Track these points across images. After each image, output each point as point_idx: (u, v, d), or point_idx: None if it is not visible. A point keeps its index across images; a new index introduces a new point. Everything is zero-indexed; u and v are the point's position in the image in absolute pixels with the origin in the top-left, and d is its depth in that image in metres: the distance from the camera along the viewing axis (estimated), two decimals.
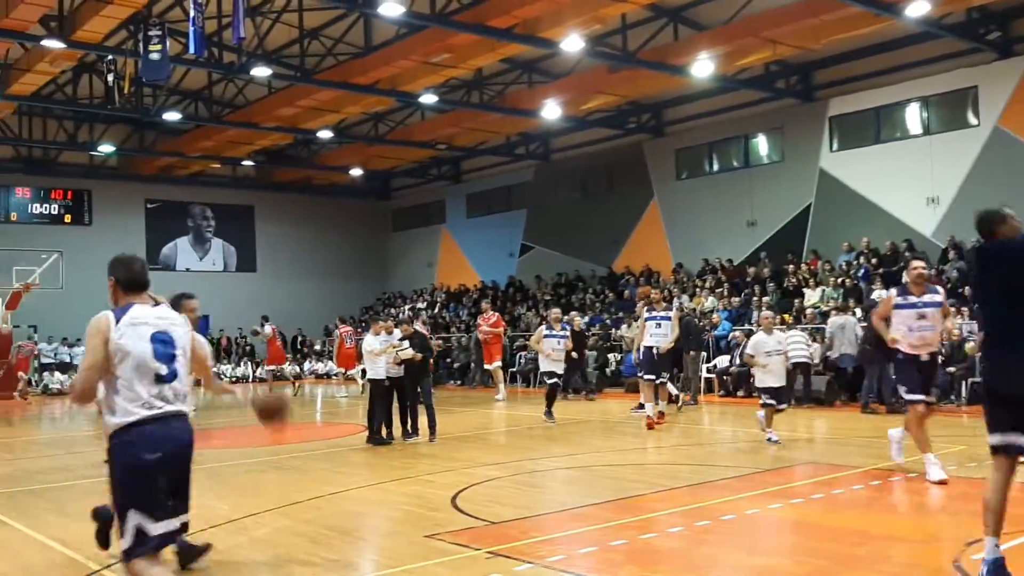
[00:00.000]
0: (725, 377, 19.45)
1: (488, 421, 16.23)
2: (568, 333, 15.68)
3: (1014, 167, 19.15)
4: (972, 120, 20.22)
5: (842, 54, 21.48)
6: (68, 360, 29.19)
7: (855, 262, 20.94)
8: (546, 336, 15.00)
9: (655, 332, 13.30)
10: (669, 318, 13.49)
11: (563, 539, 6.69)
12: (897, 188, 21.23)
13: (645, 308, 13.73)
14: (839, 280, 20.45)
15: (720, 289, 22.76)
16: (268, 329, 22.30)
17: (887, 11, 17.14)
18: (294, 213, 35.01)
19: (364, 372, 14.27)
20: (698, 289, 23.62)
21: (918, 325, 8.39)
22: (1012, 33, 19.39)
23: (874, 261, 20.48)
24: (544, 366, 15.24)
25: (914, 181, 20.86)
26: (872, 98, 21.81)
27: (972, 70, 19.96)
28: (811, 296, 20.72)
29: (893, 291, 8.91)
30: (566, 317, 18.72)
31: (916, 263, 8.67)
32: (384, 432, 12.62)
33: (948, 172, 20.35)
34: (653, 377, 13.35)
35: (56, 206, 31.01)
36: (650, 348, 13.32)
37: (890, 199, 21.39)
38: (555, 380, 15.01)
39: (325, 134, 27.21)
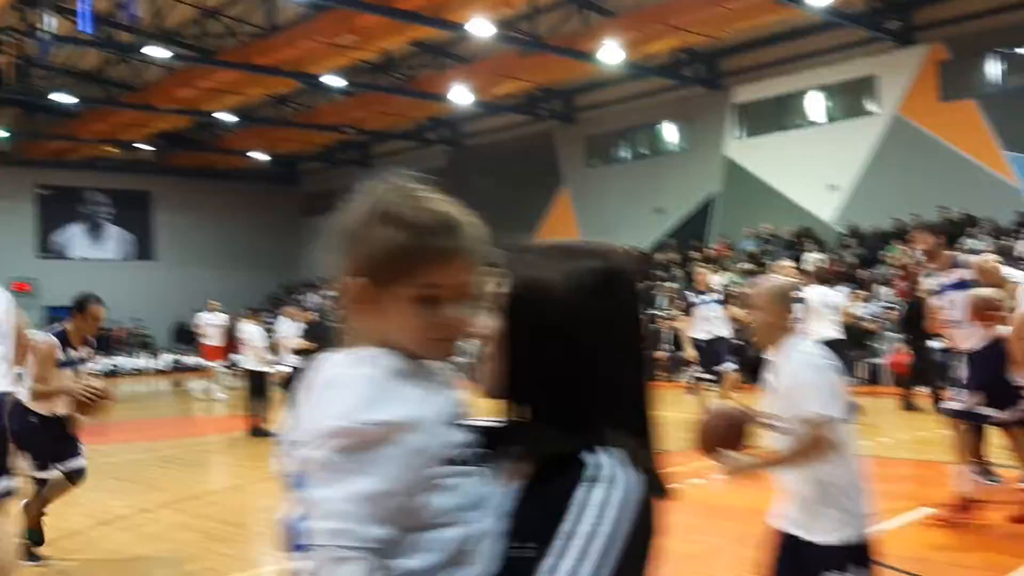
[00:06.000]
0: None
1: None
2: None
3: (912, 155, 19.77)
4: (872, 108, 20.80)
5: (747, 42, 21.83)
6: None
7: (758, 248, 21.38)
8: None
9: (711, 317, 10.74)
10: (723, 301, 11.10)
11: None
12: (799, 175, 21.72)
13: (694, 292, 11.04)
14: (744, 266, 20.86)
15: None
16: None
17: (791, 0, 17.46)
18: (196, 199, 33.93)
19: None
20: None
21: None
22: (912, 22, 19.96)
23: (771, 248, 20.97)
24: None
25: (815, 168, 21.36)
26: (776, 86, 22.24)
27: (872, 59, 20.51)
28: (716, 281, 21.04)
29: None
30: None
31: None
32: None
33: (848, 159, 20.90)
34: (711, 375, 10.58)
35: None
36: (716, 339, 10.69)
37: (792, 186, 21.87)
38: None
39: (227, 117, 26.44)
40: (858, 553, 3.13)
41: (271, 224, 35.54)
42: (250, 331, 12.69)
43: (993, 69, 19.20)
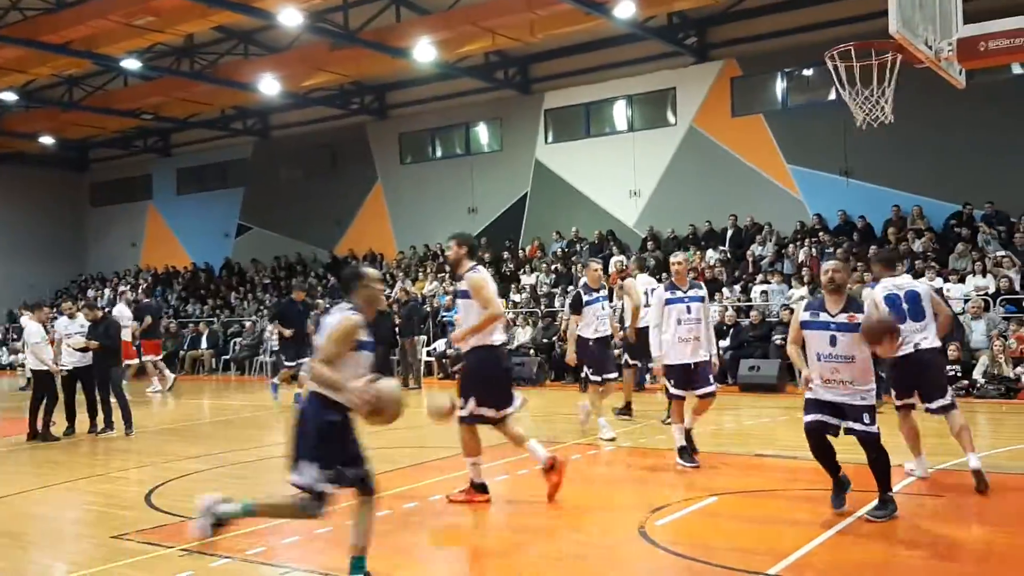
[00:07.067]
0: (444, 360, 19.73)
1: (196, 412, 15.33)
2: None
3: (705, 163, 20.95)
4: (670, 119, 21.85)
5: (557, 49, 22.39)
6: None
7: (567, 249, 22.02)
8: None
9: (686, 319, 8.37)
10: (702, 299, 8.63)
11: (265, 531, 6.36)
12: (603, 180, 22.52)
13: (665, 288, 8.65)
14: (552, 266, 21.42)
15: (442, 274, 23.02)
16: None
17: (596, 10, 18.05)
18: None
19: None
20: (421, 274, 23.75)
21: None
22: (707, 39, 21.13)
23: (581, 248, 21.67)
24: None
25: (619, 174, 22.23)
26: (583, 94, 22.93)
27: (671, 72, 21.56)
28: (526, 281, 21.54)
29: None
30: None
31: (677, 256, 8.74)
32: (65, 427, 11.68)
33: (648, 167, 21.89)
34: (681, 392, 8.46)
35: None
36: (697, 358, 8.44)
37: (597, 190, 22.65)
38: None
39: (9, 96, 24.39)
40: None
41: (57, 213, 33.09)
42: (30, 329, 11.77)
43: (779, 87, 20.68)
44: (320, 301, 20.86)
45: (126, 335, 16.63)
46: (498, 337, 7.02)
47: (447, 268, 7.26)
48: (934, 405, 7.05)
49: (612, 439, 9.83)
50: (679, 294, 8.42)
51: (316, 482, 4.71)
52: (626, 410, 11.60)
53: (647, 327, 9.90)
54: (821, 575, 5.06)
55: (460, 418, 6.88)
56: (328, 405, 4.80)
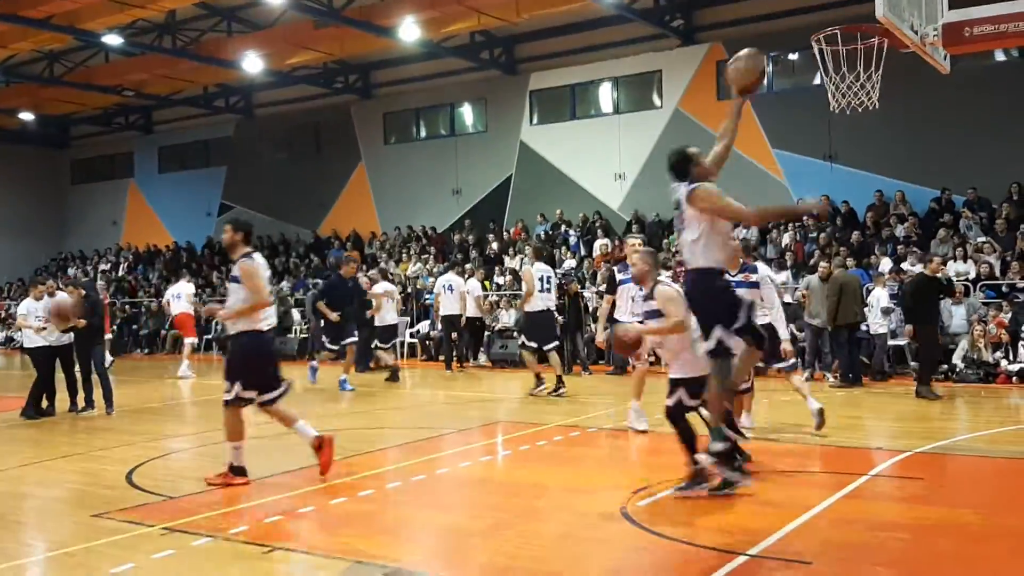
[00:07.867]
0: (428, 342, 19.72)
1: (177, 392, 15.26)
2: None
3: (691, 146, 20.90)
4: (656, 102, 21.83)
5: (542, 30, 22.28)
6: None
7: (551, 232, 22.01)
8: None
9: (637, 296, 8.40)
10: (754, 284, 7.91)
11: (248, 510, 6.36)
12: (589, 163, 22.49)
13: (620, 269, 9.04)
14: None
15: (426, 255, 22.97)
16: None
17: None
18: None
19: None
20: (405, 255, 23.68)
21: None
22: (694, 22, 21.08)
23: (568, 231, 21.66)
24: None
25: (604, 157, 22.20)
26: (568, 75, 22.87)
27: (657, 55, 21.52)
28: (510, 263, 21.52)
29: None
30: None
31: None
32: (44, 404, 11.57)
33: (634, 150, 21.86)
34: None
35: None
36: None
37: (582, 173, 22.62)
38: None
39: None
40: None
41: (36, 190, 32.73)
42: (24, 305, 11.73)
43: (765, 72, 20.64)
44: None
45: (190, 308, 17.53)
46: (266, 323, 7.28)
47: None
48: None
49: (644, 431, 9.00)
50: (726, 278, 6.89)
51: (726, 337, 5.91)
52: (539, 382, 12.20)
53: (542, 310, 11.87)
54: (801, 555, 5.10)
55: (225, 401, 7.08)
56: (713, 277, 6.21)
